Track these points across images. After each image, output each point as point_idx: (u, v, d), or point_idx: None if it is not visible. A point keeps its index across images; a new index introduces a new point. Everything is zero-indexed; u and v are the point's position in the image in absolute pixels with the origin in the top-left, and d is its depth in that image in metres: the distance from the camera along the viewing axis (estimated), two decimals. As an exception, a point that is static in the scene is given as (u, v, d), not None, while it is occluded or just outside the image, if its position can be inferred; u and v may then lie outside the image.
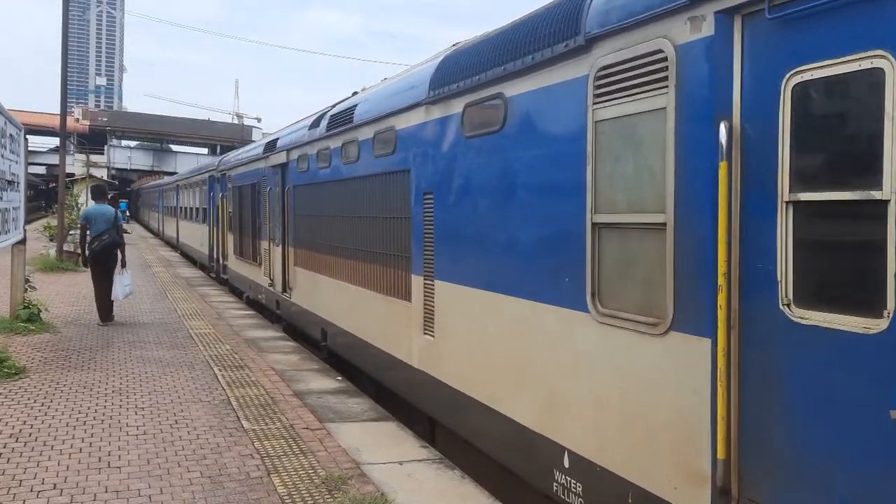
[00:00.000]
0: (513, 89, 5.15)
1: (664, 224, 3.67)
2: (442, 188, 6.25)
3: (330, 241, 9.60)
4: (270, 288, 13.17)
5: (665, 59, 3.67)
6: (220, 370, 8.96)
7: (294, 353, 10.33)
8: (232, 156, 18.80)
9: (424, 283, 6.59)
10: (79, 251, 15.00)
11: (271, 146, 13.06)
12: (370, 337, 8.17)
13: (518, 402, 5.09)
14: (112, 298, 11.93)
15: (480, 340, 5.60)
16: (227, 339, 11.16)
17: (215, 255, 20.31)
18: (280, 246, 12.31)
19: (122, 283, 11.82)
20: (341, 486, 5.25)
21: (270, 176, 13.00)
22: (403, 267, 7.14)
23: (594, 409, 4.27)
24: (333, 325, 9.63)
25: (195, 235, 25.30)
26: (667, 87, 3.67)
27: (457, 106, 5.98)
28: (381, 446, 6.30)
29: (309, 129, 10.60)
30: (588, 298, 4.25)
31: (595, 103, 4.20)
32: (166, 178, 46.50)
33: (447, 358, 6.20)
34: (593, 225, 4.22)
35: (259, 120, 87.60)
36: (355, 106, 8.68)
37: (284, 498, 5.05)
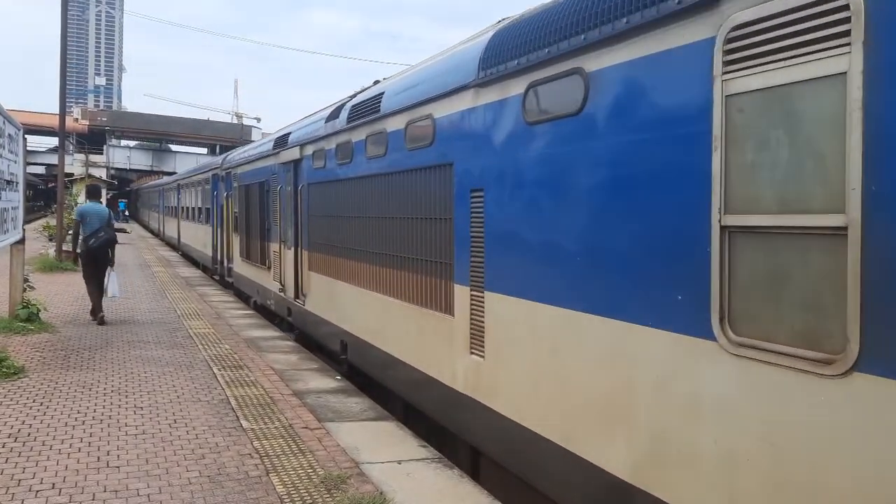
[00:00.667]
0: (597, 62, 4.14)
1: (844, 228, 2.75)
2: (495, 184, 5.25)
3: (351, 245, 8.51)
4: (281, 294, 12.02)
5: (846, 6, 2.75)
6: (219, 370, 8.74)
7: (293, 353, 10.07)
8: (237, 153, 17.50)
9: (471, 295, 5.58)
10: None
11: (282, 141, 11.84)
12: (401, 353, 7.09)
13: (606, 446, 4.06)
14: (111, 296, 11.79)
15: (551, 366, 4.55)
16: (227, 338, 10.88)
17: (219, 258, 19.12)
18: (292, 249, 11.15)
19: (114, 282, 11.86)
20: (340, 486, 5.14)
21: (281, 174, 11.81)
22: (443, 275, 6.13)
23: (724, 467, 3.27)
24: (355, 338, 8.49)
25: (197, 236, 23.94)
26: (849, 45, 2.74)
27: (516, 87, 4.98)
28: (380, 445, 6.16)
29: (326, 122, 9.45)
30: (714, 322, 3.29)
31: (726, 72, 3.23)
32: (167, 178, 45.46)
33: (502, 384, 5.15)
34: (723, 228, 3.25)
35: (258, 120, 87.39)
36: (382, 94, 7.62)
37: (283, 497, 4.94)
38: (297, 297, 11.07)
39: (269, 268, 12.96)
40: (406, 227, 6.94)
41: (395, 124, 7.17)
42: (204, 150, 73.84)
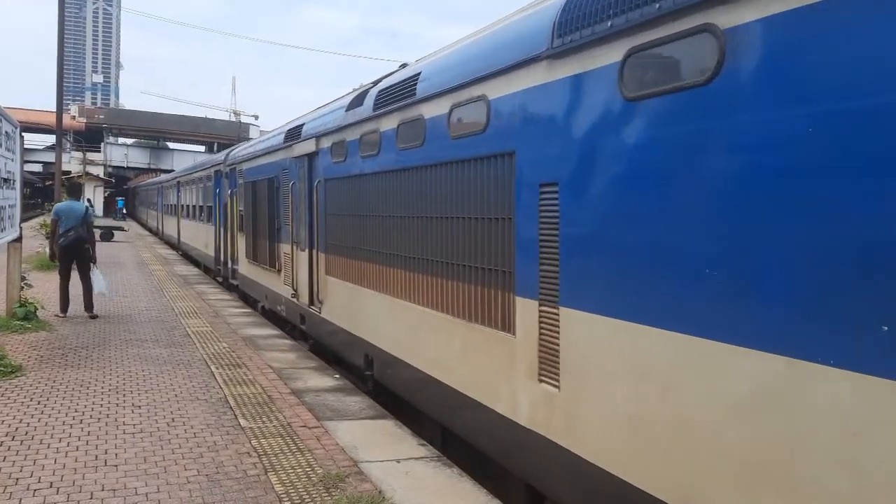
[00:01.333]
0: (743, 14, 3.17)
1: None
2: (576, 177, 4.28)
3: (379, 248, 7.50)
4: (293, 300, 11.03)
5: None
6: (217, 368, 8.74)
7: (291, 352, 10.06)
8: (243, 148, 16.60)
9: (540, 311, 4.64)
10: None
11: (295, 134, 10.87)
12: (442, 374, 6.12)
13: None
14: (97, 293, 12.21)
15: (663, 407, 3.63)
16: (225, 337, 10.89)
17: (222, 258, 18.20)
18: (307, 251, 10.19)
19: (98, 279, 12.21)
20: (339, 484, 5.14)
21: (293, 169, 10.85)
22: (500, 285, 5.15)
23: None
24: (384, 353, 7.48)
25: (199, 236, 22.92)
26: None
27: (609, 55, 3.98)
28: (378, 444, 6.15)
29: (347, 111, 8.52)
30: None
31: None
32: (166, 175, 44.69)
33: (585, 422, 4.24)
34: None
35: (256, 118, 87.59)
36: (417, 75, 6.67)
37: (282, 496, 4.93)
38: (311, 303, 10.12)
39: (280, 271, 11.98)
40: (449, 228, 5.94)
41: (435, 109, 6.19)
42: (202, 148, 73.86)
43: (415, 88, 6.63)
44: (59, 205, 12.83)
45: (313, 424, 6.66)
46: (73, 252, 12.12)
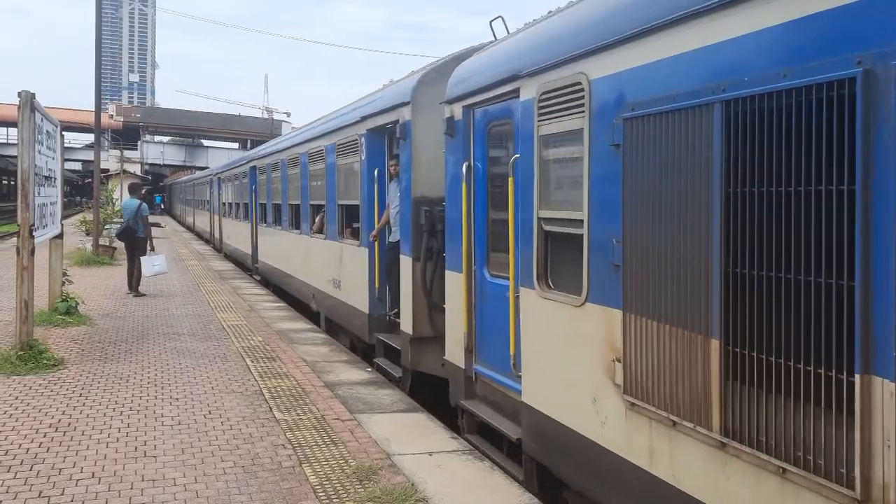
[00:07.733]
0: None
1: None
2: None
3: None
4: None
5: None
6: (252, 361, 8.84)
7: (324, 345, 10.14)
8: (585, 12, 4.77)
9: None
10: (114, 245, 20.36)
11: None
12: None
13: None
14: (144, 275, 14.16)
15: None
16: (259, 330, 10.99)
17: (412, 329, 7.81)
18: None
19: (150, 264, 14.08)
20: (372, 477, 5.18)
21: None
22: None
23: None
24: None
25: (312, 261, 12.50)
26: None
27: None
28: (410, 437, 6.20)
29: None
30: None
31: None
32: (225, 161, 35.58)
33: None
34: None
35: (289, 115, 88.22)
36: None
37: (316, 487, 4.99)
38: None
39: None
40: None
41: None
42: (235, 146, 74.71)
43: None
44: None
45: (346, 417, 6.71)
46: (124, 239, 14.65)
